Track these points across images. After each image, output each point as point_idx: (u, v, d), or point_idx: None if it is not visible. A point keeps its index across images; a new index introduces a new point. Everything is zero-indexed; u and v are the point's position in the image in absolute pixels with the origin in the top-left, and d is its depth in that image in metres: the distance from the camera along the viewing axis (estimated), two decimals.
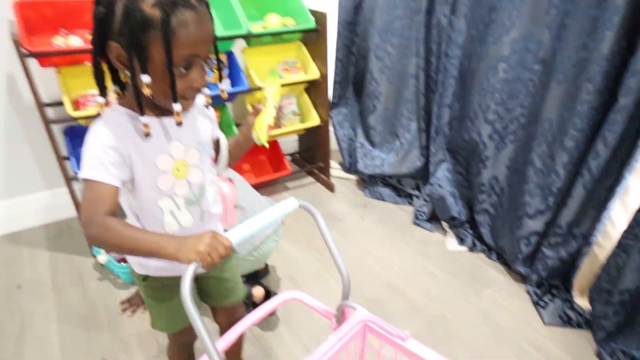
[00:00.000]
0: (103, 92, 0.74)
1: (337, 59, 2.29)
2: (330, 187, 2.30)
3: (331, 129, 2.40)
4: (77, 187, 1.73)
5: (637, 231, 1.24)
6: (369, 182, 2.28)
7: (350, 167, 2.38)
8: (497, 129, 1.65)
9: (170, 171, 0.78)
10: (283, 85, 2.03)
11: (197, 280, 0.98)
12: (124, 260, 1.59)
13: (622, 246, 1.29)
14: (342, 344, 0.81)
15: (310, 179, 2.41)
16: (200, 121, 0.85)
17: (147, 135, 0.72)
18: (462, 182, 1.89)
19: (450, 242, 1.89)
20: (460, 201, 1.90)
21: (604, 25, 1.24)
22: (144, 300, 0.97)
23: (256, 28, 1.97)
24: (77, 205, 1.70)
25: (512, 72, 1.55)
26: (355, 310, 0.87)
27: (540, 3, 1.42)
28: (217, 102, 2.01)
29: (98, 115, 0.75)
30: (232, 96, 2.01)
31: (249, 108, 2.07)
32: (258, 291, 1.53)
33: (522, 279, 1.68)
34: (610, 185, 1.36)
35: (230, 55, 1.96)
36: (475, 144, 1.72)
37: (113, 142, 0.71)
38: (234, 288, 1.05)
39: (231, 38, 1.83)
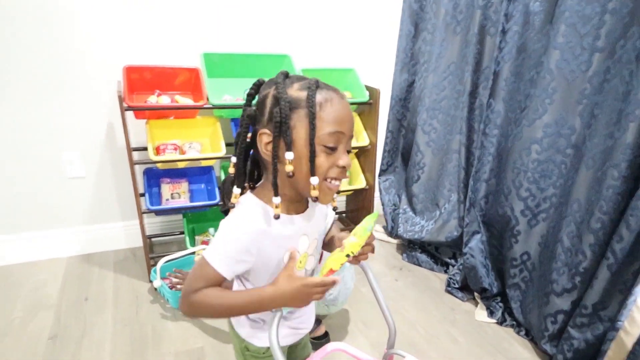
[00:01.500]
0: (241, 182, 0.79)
1: (388, 130, 2.50)
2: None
3: (377, 194, 2.56)
4: (147, 220, 2.00)
5: None
6: (407, 247, 2.37)
7: (391, 231, 2.49)
8: (529, 205, 1.72)
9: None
10: None
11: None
12: (175, 287, 1.79)
13: None
14: None
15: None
16: (318, 210, 0.89)
17: (277, 217, 0.75)
18: (496, 255, 1.95)
19: (480, 313, 1.92)
20: (493, 273, 1.94)
21: (628, 117, 1.34)
22: None
23: None
24: (144, 236, 1.95)
25: (545, 153, 1.65)
26: (404, 358, 0.93)
27: (572, 93, 1.55)
28: None
29: (233, 205, 0.78)
30: None
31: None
32: (320, 329, 1.67)
33: (549, 358, 1.66)
34: (636, 270, 1.38)
35: None
36: (509, 218, 1.80)
37: (247, 241, 0.75)
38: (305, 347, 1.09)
39: None
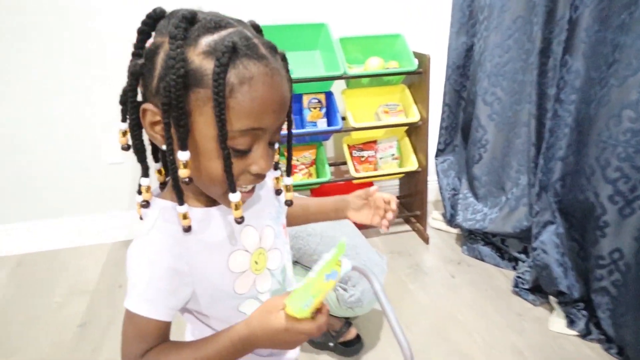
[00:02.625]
0: (145, 171, 0.57)
1: (444, 103, 2.16)
2: (424, 238, 2.12)
3: (435, 177, 2.25)
4: None
5: None
6: (468, 238, 2.05)
7: (450, 219, 2.17)
8: (620, 190, 1.34)
9: (249, 268, 0.62)
10: (381, 127, 1.98)
11: None
12: None
13: None
14: None
15: (406, 227, 2.26)
16: (265, 189, 0.68)
17: (187, 230, 0.55)
18: (577, 251, 1.57)
19: (556, 321, 1.57)
20: (573, 274, 1.57)
21: None
22: None
23: (357, 71, 1.97)
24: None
25: None
26: None
27: None
28: (313, 139, 2.05)
29: (145, 204, 0.58)
30: (326, 134, 2.03)
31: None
32: (351, 332, 1.46)
33: None
34: None
35: (329, 95, 1.99)
36: (592, 206, 1.42)
37: (167, 261, 0.55)
38: None
39: (327, 79, 1.86)
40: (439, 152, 2.25)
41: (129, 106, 0.53)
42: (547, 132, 1.55)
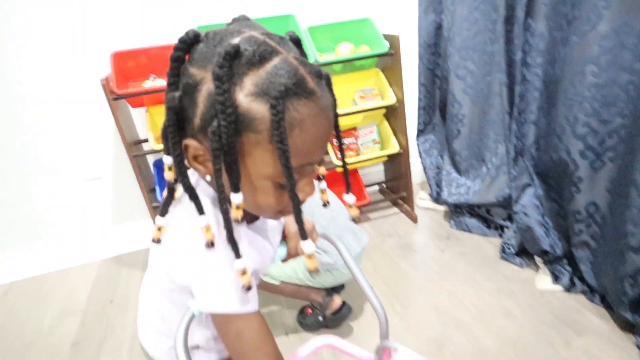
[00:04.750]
0: (200, 210, 0.55)
1: (420, 83, 2.20)
2: (413, 218, 2.15)
3: (418, 158, 2.28)
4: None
5: None
6: (454, 212, 2.08)
7: (437, 197, 2.20)
8: (590, 144, 1.38)
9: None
10: (358, 112, 2.01)
11: None
12: None
13: None
14: None
15: (394, 210, 2.30)
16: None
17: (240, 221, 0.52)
18: (556, 210, 1.61)
19: (542, 280, 1.60)
20: (555, 232, 1.61)
21: None
22: None
23: (328, 58, 1.99)
24: None
25: (605, 75, 1.30)
26: (397, 351, 0.74)
27: None
28: None
29: (209, 244, 0.54)
30: None
31: None
32: (335, 302, 1.47)
33: (630, 327, 1.33)
34: None
35: None
36: (565, 164, 1.46)
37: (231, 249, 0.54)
38: None
39: None
40: (420, 133, 2.29)
41: (171, 142, 0.51)
42: (518, 98, 1.58)
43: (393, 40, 1.95)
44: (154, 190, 1.90)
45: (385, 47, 1.95)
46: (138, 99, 1.75)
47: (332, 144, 2.10)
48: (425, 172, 2.27)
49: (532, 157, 1.62)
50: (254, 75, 0.46)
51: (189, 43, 0.50)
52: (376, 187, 2.50)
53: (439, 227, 2.09)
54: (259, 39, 0.48)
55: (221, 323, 0.58)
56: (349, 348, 0.81)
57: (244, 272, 0.52)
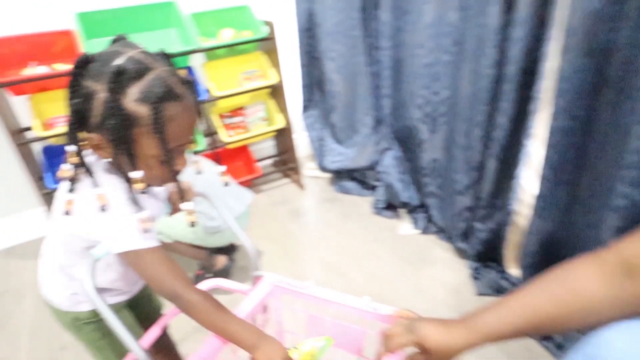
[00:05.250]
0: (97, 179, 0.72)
1: (301, 64, 2.43)
2: (301, 186, 2.41)
3: (305, 132, 2.53)
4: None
5: (545, 193, 1.27)
6: (337, 177, 2.38)
7: (322, 165, 2.48)
8: (427, 112, 1.71)
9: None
10: (242, 93, 2.19)
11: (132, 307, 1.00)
12: None
13: (535, 210, 1.32)
14: (256, 304, 0.89)
15: (285, 180, 2.54)
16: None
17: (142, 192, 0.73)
18: (412, 168, 1.96)
19: (404, 226, 1.95)
20: (412, 186, 1.96)
21: (489, 3, 1.31)
22: (96, 348, 0.94)
23: (211, 43, 2.14)
24: None
25: (431, 56, 1.62)
26: (263, 276, 0.95)
27: None
28: None
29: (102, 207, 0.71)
30: None
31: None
32: (220, 260, 1.68)
33: (463, 254, 1.71)
34: (516, 154, 1.40)
35: (190, 70, 2.14)
36: (412, 129, 1.79)
37: (126, 193, 0.72)
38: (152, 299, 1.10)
39: (183, 54, 2.01)
40: (305, 109, 2.53)
41: (74, 135, 0.69)
42: (373, 76, 1.88)
43: (270, 26, 2.14)
44: (41, 178, 1.92)
45: (263, 32, 2.14)
46: (20, 86, 1.76)
47: (222, 123, 2.27)
48: (311, 144, 2.53)
49: (390, 125, 1.94)
50: (136, 86, 0.65)
51: (84, 62, 0.68)
52: (269, 161, 2.71)
53: (324, 192, 2.38)
54: (137, 58, 0.67)
55: (134, 260, 0.74)
56: (230, 285, 1.02)
57: (144, 220, 0.72)
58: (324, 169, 2.46)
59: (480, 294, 1.53)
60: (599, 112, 1.13)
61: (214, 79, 2.14)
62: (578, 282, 0.67)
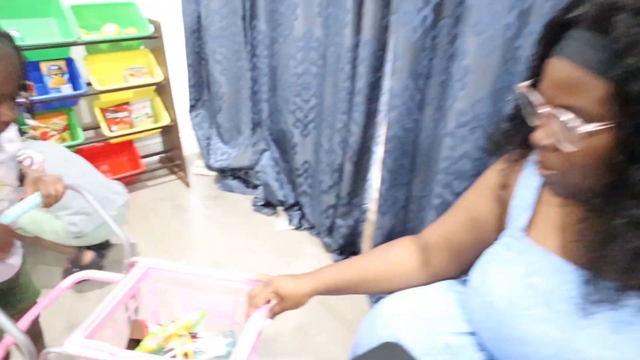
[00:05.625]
0: None
1: (188, 64, 2.47)
2: (186, 183, 2.46)
3: (192, 131, 2.57)
4: None
5: (385, 194, 1.48)
6: (221, 176, 2.46)
7: (208, 164, 2.54)
8: (298, 117, 1.87)
9: None
10: (125, 89, 2.18)
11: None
12: None
13: (378, 208, 1.53)
14: (130, 287, 0.92)
15: (172, 177, 2.56)
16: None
17: None
18: (288, 168, 2.11)
19: (280, 223, 2.10)
20: (288, 185, 2.11)
21: (343, 22, 1.49)
22: None
23: (94, 37, 2.11)
24: None
25: (301, 67, 1.78)
26: (137, 262, 0.98)
27: (311, 6, 1.66)
28: (63, 105, 2.14)
29: None
30: (73, 99, 2.15)
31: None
32: (87, 255, 1.67)
33: (329, 248, 1.90)
34: (368, 159, 1.60)
35: (70, 62, 2.09)
36: (286, 132, 1.94)
37: None
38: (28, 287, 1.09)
39: (61, 45, 1.96)
40: (192, 108, 2.57)
41: None
42: (252, 81, 2.00)
43: (157, 25, 2.17)
44: None
45: (149, 30, 2.16)
46: None
47: (105, 119, 2.24)
48: (198, 143, 2.58)
49: (268, 127, 2.07)
50: None
51: None
52: (157, 157, 2.71)
53: (209, 189, 2.45)
54: None
55: None
56: (101, 275, 1.05)
57: None
58: (209, 167, 2.52)
59: None
60: (424, 124, 1.35)
61: (96, 72, 2.11)
62: (396, 255, 0.91)
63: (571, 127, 0.53)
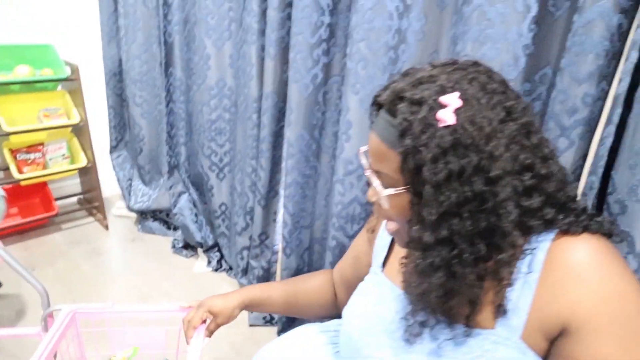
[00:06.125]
0: None
1: (109, 105, 2.47)
2: (105, 225, 2.40)
3: (112, 172, 2.54)
4: None
5: (288, 237, 1.54)
6: (141, 218, 2.44)
7: (129, 205, 2.51)
8: (214, 161, 1.92)
9: None
10: (37, 130, 2.14)
11: None
12: None
13: (283, 250, 1.59)
14: (57, 338, 0.88)
15: (90, 219, 2.50)
16: None
17: None
18: (207, 210, 2.13)
19: (198, 265, 2.10)
20: (208, 227, 2.13)
21: (250, 77, 1.58)
22: None
23: (5, 78, 2.07)
24: None
25: (215, 113, 1.85)
26: (60, 310, 0.96)
27: (222, 58, 1.75)
28: None
29: None
30: None
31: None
32: None
33: None
34: (276, 202, 1.67)
35: None
36: (203, 175, 1.98)
37: None
38: None
39: None
40: (113, 149, 2.56)
41: None
42: (169, 125, 2.04)
43: (74, 68, 2.17)
44: None
45: (65, 72, 2.15)
46: None
47: (15, 160, 2.18)
48: (119, 184, 2.55)
49: (185, 170, 2.10)
50: None
51: None
52: (75, 199, 2.64)
53: (128, 231, 2.41)
54: None
55: None
56: (14, 331, 1.00)
57: None
58: (130, 208, 2.49)
59: (252, 325, 1.74)
60: (321, 171, 1.45)
61: (6, 113, 2.07)
62: (312, 285, 1.05)
63: (379, 189, 0.63)
